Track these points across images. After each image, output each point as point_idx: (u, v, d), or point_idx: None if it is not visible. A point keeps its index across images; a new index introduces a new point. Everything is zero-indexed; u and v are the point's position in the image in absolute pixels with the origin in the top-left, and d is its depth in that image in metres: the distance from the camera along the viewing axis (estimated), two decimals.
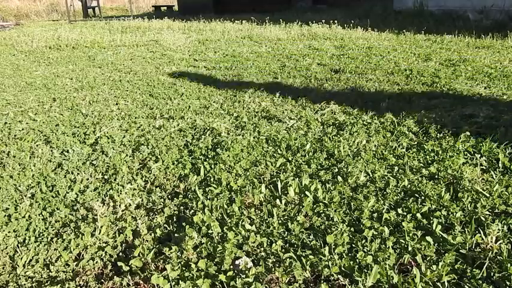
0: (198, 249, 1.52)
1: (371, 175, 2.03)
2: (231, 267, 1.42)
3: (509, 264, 1.35)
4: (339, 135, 2.56)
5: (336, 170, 2.10)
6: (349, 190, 1.89)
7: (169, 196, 1.97)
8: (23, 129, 2.97)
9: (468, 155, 2.22)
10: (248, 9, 14.29)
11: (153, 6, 20.03)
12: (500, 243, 1.45)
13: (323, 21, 8.64)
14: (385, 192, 1.86)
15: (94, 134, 2.76)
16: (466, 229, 1.56)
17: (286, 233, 1.60)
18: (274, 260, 1.45)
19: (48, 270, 1.49)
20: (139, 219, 1.76)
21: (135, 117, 3.13)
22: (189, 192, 1.98)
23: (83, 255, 1.57)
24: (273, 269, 1.40)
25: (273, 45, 6.57)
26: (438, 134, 2.51)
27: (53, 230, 1.73)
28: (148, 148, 2.48)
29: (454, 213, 1.66)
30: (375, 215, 1.69)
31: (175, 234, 1.64)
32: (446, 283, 1.30)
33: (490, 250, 1.43)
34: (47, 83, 4.49)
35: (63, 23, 13.77)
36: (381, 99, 3.30)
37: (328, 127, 2.71)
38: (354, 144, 2.42)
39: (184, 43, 7.22)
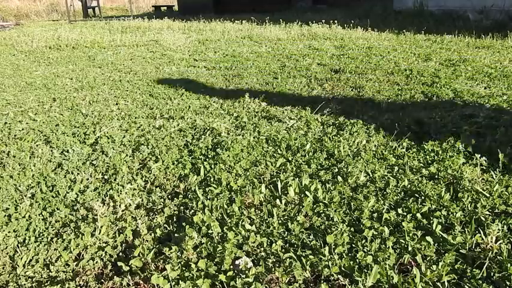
0: (198, 249, 1.52)
1: (371, 175, 2.03)
2: (231, 267, 1.42)
3: (509, 264, 1.35)
4: (339, 135, 2.56)
5: (336, 170, 2.10)
6: (349, 190, 1.89)
7: (169, 196, 1.97)
8: (23, 129, 2.97)
9: (468, 155, 2.22)
10: (248, 9, 14.30)
11: (153, 6, 20.04)
12: (500, 243, 1.45)
13: (323, 21, 8.64)
14: (385, 192, 1.86)
15: (94, 134, 2.76)
16: (466, 229, 1.56)
17: (286, 233, 1.60)
18: (274, 260, 1.45)
19: (48, 270, 1.49)
20: (139, 219, 1.76)
21: (135, 117, 3.13)
22: (189, 192, 1.98)
23: (83, 255, 1.57)
24: (273, 269, 1.40)
25: (273, 45, 6.57)
26: (438, 134, 2.51)
27: (53, 230, 1.73)
28: (148, 148, 2.48)
29: (454, 213, 1.66)
30: (375, 215, 1.69)
31: (175, 234, 1.64)
32: (446, 283, 1.30)
33: (490, 250, 1.43)
34: (47, 83, 4.49)
35: (63, 23, 13.77)
36: (381, 99, 3.30)
37: (328, 127, 2.71)
38: (354, 144, 2.42)
39: (184, 43, 7.22)
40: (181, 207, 1.85)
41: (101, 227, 1.70)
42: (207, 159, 2.30)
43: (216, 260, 1.46)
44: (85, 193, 2.00)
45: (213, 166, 2.21)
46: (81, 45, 7.38)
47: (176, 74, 4.76)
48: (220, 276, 1.36)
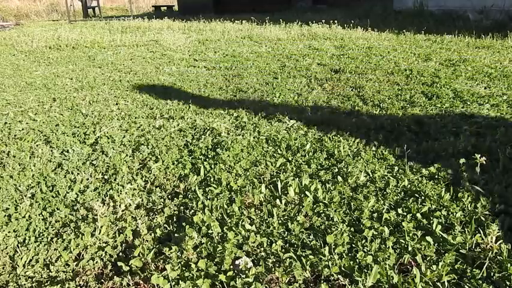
0: (198, 249, 1.52)
1: (371, 175, 2.03)
2: (231, 267, 1.42)
3: (509, 264, 1.35)
4: (338, 135, 2.56)
5: (336, 170, 2.10)
6: (349, 190, 1.89)
7: (169, 196, 1.97)
8: (23, 129, 2.97)
9: (468, 155, 2.22)
10: (248, 9, 14.30)
11: (153, 6, 20.04)
12: (500, 243, 1.45)
13: (323, 21, 8.64)
14: (385, 192, 1.86)
15: (94, 134, 2.76)
16: (466, 229, 1.56)
17: (286, 233, 1.60)
18: (274, 260, 1.45)
19: (48, 270, 1.49)
20: (139, 219, 1.76)
21: (135, 117, 3.13)
22: (189, 192, 1.98)
23: (83, 255, 1.57)
24: (273, 269, 1.40)
25: (273, 45, 6.57)
26: (438, 134, 2.51)
27: (53, 230, 1.73)
28: (148, 148, 2.48)
29: (454, 213, 1.66)
30: (375, 215, 1.69)
31: (175, 234, 1.64)
32: (446, 283, 1.30)
33: (490, 250, 1.43)
34: (47, 83, 4.49)
35: (63, 23, 13.77)
36: (381, 99, 3.30)
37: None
38: (354, 144, 2.42)
39: (184, 43, 7.22)
40: (181, 207, 1.85)
41: (101, 227, 1.70)
42: (207, 159, 2.30)
43: (216, 260, 1.46)
44: (85, 193, 2.00)
45: (213, 166, 2.21)
46: (81, 45, 7.38)
47: (176, 74, 4.76)
48: (220, 276, 1.36)
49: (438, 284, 1.30)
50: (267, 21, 9.64)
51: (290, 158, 2.27)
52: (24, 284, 1.43)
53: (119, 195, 1.95)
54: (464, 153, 2.24)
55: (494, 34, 6.13)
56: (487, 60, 4.55)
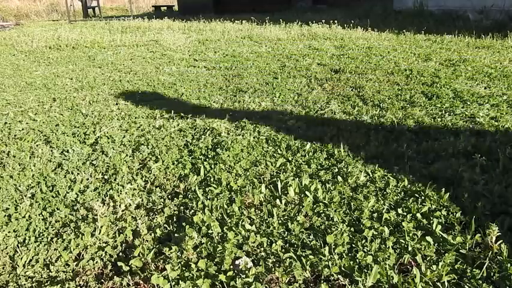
0: (198, 249, 1.52)
1: (371, 175, 2.03)
2: (231, 267, 1.42)
3: (509, 264, 1.35)
4: (339, 135, 2.56)
5: (336, 170, 2.10)
6: (349, 190, 1.89)
7: (169, 196, 1.97)
8: (23, 129, 2.97)
9: (468, 155, 2.22)
10: (248, 9, 14.30)
11: (153, 6, 20.04)
12: (500, 243, 1.45)
13: (323, 21, 8.64)
14: (385, 192, 1.86)
15: (94, 134, 2.76)
16: (466, 229, 1.56)
17: (286, 233, 1.60)
18: (274, 260, 1.45)
19: (48, 270, 1.49)
20: (139, 219, 1.76)
21: (135, 117, 3.13)
22: (189, 192, 1.98)
23: (83, 255, 1.57)
24: (273, 269, 1.40)
25: (273, 45, 6.57)
26: (438, 134, 2.51)
27: (53, 230, 1.73)
28: (148, 148, 2.48)
29: (454, 213, 1.66)
30: (375, 215, 1.69)
31: (175, 234, 1.64)
32: (446, 283, 1.30)
33: (490, 250, 1.43)
34: (47, 83, 4.49)
35: (63, 23, 13.77)
36: (381, 99, 3.30)
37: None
38: (354, 144, 2.41)
39: (184, 43, 7.22)
40: (181, 207, 1.85)
41: (101, 227, 1.70)
42: (207, 159, 2.30)
43: (216, 260, 1.46)
44: (85, 193, 2.00)
45: (213, 166, 2.21)
46: (81, 45, 7.38)
47: (176, 74, 4.76)
48: (220, 276, 1.36)
49: (438, 284, 1.30)
50: (267, 21, 9.64)
51: (290, 158, 2.27)
52: (24, 284, 1.43)
53: (119, 195, 1.95)
54: (464, 153, 2.24)
55: (494, 34, 6.13)
56: (487, 60, 4.55)
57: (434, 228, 1.56)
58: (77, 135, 2.79)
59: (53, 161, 2.39)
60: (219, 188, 1.97)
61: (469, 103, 3.08)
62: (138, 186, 2.06)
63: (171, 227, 1.71)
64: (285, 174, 2.08)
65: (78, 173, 2.21)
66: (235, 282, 1.33)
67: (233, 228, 1.63)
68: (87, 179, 2.15)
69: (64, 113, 3.31)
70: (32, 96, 3.89)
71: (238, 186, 1.99)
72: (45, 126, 3.00)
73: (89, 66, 5.47)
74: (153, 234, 1.65)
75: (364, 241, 1.51)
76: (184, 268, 1.43)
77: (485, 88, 3.48)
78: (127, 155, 2.41)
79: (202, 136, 2.63)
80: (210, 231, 1.62)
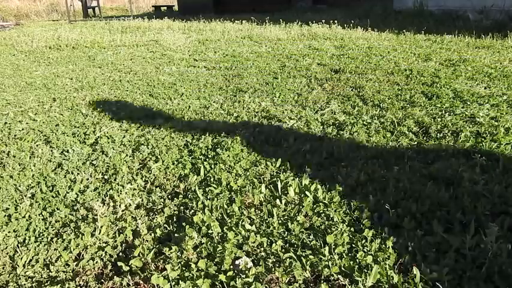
0: (198, 249, 1.52)
1: (371, 175, 2.03)
2: (231, 267, 1.42)
3: (509, 264, 1.34)
4: (339, 135, 2.56)
5: (336, 169, 2.10)
6: (349, 190, 1.89)
7: (169, 196, 1.97)
8: (23, 129, 2.97)
9: (468, 154, 2.22)
10: (248, 9, 14.30)
11: (153, 6, 20.04)
12: (500, 243, 1.45)
13: (323, 21, 8.64)
14: (385, 192, 1.86)
15: (94, 134, 2.76)
16: (466, 229, 1.56)
17: (286, 233, 1.60)
18: (274, 260, 1.45)
19: (48, 270, 1.49)
20: (139, 219, 1.76)
21: (135, 117, 3.13)
22: (189, 192, 1.98)
23: (83, 255, 1.57)
24: (273, 269, 1.40)
25: (273, 45, 6.57)
26: (438, 134, 2.51)
27: (53, 230, 1.73)
28: (148, 148, 2.48)
29: (454, 213, 1.66)
30: (375, 215, 1.69)
31: (175, 234, 1.64)
32: (446, 283, 1.30)
33: (490, 250, 1.43)
34: (47, 83, 4.49)
35: (63, 23, 13.77)
36: (381, 99, 3.30)
37: (328, 127, 2.71)
38: (353, 144, 2.41)
39: (184, 43, 7.22)
40: (181, 207, 1.85)
41: (101, 227, 1.70)
42: (207, 159, 2.30)
43: (216, 260, 1.46)
44: (85, 193, 2.00)
45: (213, 166, 2.21)
46: (81, 45, 7.38)
47: (176, 74, 4.76)
48: (220, 276, 1.36)
49: (438, 284, 1.30)
50: (267, 21, 9.64)
51: (290, 158, 2.27)
52: (24, 284, 1.43)
53: (119, 195, 1.95)
54: (464, 153, 2.24)
55: (494, 34, 6.13)
56: (487, 60, 4.55)
57: (434, 228, 1.56)
58: (77, 135, 2.79)
59: (53, 161, 2.39)
60: (219, 188, 1.97)
61: (469, 103, 3.08)
62: (138, 186, 2.06)
63: (171, 227, 1.71)
64: (285, 174, 2.08)
65: (78, 173, 2.21)
66: (235, 282, 1.33)
67: (233, 228, 1.63)
68: (87, 179, 2.15)
69: (64, 113, 3.31)
70: (32, 96, 3.89)
71: (238, 186, 1.99)
72: (45, 126, 3.00)
73: (89, 66, 5.47)
74: (153, 234, 1.65)
75: (364, 241, 1.51)
76: (184, 268, 1.43)
77: (485, 88, 3.48)
78: (127, 155, 2.41)
79: (202, 136, 2.63)
80: (210, 231, 1.62)
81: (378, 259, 1.40)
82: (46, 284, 1.43)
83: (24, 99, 3.80)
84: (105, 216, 1.79)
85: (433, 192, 1.82)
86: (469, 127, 2.58)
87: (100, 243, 1.63)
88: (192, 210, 1.80)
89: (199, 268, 1.41)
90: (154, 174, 2.17)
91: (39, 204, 1.91)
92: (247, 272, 1.38)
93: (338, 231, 1.57)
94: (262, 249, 1.52)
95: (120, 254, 1.58)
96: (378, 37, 6.93)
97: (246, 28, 8.97)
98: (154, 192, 1.99)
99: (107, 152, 2.46)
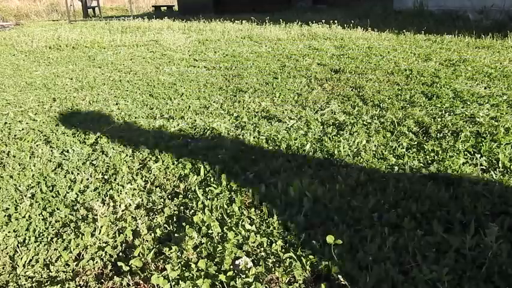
0: (198, 249, 1.52)
1: (371, 175, 2.03)
2: (231, 267, 1.42)
3: (509, 264, 1.34)
4: (339, 135, 2.56)
5: (336, 169, 2.10)
6: (349, 190, 1.89)
7: (169, 196, 1.97)
8: (23, 129, 2.97)
9: (468, 155, 2.22)
10: (248, 9, 14.30)
11: (153, 6, 20.04)
12: (500, 243, 1.45)
13: (323, 21, 8.64)
14: (385, 192, 1.86)
15: (94, 134, 2.76)
16: (466, 229, 1.56)
17: (286, 233, 1.60)
18: (274, 260, 1.45)
19: (48, 270, 1.49)
20: (139, 219, 1.76)
21: (135, 117, 3.13)
22: (189, 192, 1.98)
23: (83, 255, 1.57)
24: (273, 269, 1.40)
25: (273, 45, 6.57)
26: (438, 134, 2.51)
27: (53, 230, 1.73)
28: (148, 148, 2.48)
29: (454, 213, 1.66)
30: (375, 215, 1.69)
31: (175, 234, 1.64)
32: (446, 283, 1.30)
33: (490, 250, 1.43)
34: (47, 83, 4.49)
35: (63, 23, 13.77)
36: (381, 99, 3.30)
37: (328, 127, 2.71)
38: (353, 144, 2.42)
39: (184, 43, 7.22)
40: (181, 207, 1.85)
41: (101, 227, 1.70)
42: (207, 159, 2.30)
43: (216, 260, 1.46)
44: (85, 193, 2.00)
45: (213, 166, 2.21)
46: (81, 45, 7.38)
47: (176, 74, 4.76)
48: (220, 276, 1.36)
49: (438, 284, 1.30)
50: (267, 21, 9.64)
51: (290, 158, 2.27)
52: (24, 284, 1.43)
53: (119, 195, 1.95)
54: (464, 153, 2.24)
55: (494, 34, 6.13)
56: (487, 60, 4.55)
57: (434, 228, 1.56)
58: (77, 135, 2.79)
59: (53, 161, 2.39)
60: (219, 188, 1.97)
61: (469, 103, 3.08)
62: (138, 186, 2.06)
63: (171, 227, 1.71)
64: (285, 174, 2.08)
65: (78, 173, 2.21)
66: (235, 282, 1.33)
67: (233, 228, 1.63)
68: (87, 179, 2.15)
69: (64, 113, 3.31)
70: (32, 96, 3.89)
71: (238, 186, 1.99)
72: (45, 126, 3.00)
73: (88, 66, 5.47)
74: (153, 234, 1.65)
75: (364, 241, 1.51)
76: (184, 268, 1.43)
77: (485, 88, 3.48)
78: (127, 155, 2.41)
79: (202, 136, 2.63)
80: (210, 231, 1.62)
81: (378, 259, 1.40)
82: (46, 284, 1.43)
83: (24, 99, 3.80)
84: (105, 216, 1.79)
85: (433, 192, 1.82)
86: (469, 127, 2.58)
87: (100, 243, 1.63)
88: (192, 210, 1.80)
89: (199, 268, 1.41)
90: (154, 174, 2.17)
91: (39, 204, 1.91)
92: (247, 272, 1.38)
93: (338, 231, 1.57)
94: (262, 249, 1.52)
95: (120, 254, 1.58)
96: (377, 37, 6.93)
97: (246, 28, 8.97)
98: (154, 192, 1.99)
99: (107, 152, 2.46)
